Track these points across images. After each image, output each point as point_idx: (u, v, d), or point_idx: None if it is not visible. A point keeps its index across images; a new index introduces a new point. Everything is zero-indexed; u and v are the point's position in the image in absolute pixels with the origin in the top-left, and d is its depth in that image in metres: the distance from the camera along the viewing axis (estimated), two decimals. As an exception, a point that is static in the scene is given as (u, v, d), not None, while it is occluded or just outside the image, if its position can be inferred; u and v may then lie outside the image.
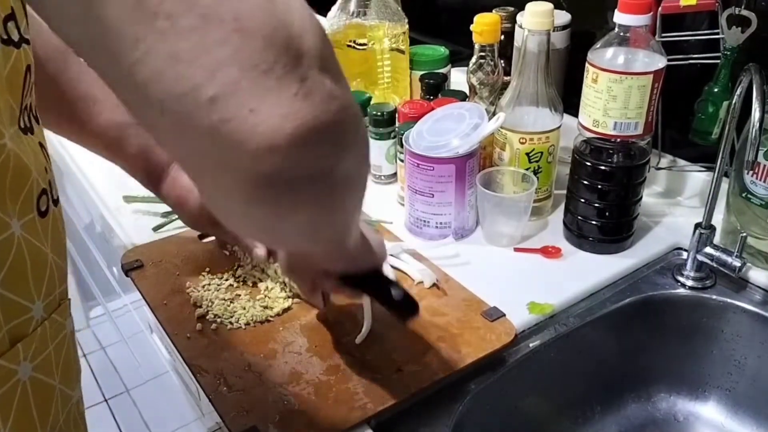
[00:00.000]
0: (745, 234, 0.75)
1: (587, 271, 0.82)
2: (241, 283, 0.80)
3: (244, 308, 0.75)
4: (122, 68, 0.30)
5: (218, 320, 0.73)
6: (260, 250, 0.75)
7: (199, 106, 0.29)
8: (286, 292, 0.77)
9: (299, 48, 0.31)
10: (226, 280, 0.80)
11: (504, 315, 0.73)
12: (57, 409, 0.52)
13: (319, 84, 0.31)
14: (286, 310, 0.75)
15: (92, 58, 0.32)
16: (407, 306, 0.62)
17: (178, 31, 0.29)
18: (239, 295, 0.77)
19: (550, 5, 0.80)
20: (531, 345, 0.73)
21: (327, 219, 0.39)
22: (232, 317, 0.74)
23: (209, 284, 0.79)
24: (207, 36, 0.29)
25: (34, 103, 0.48)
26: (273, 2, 0.30)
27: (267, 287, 0.78)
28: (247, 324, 0.73)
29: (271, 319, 0.74)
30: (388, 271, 0.78)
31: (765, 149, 0.75)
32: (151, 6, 0.28)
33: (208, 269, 0.82)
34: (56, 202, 0.49)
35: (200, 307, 0.75)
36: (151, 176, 0.73)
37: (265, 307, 0.75)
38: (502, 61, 0.91)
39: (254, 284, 0.79)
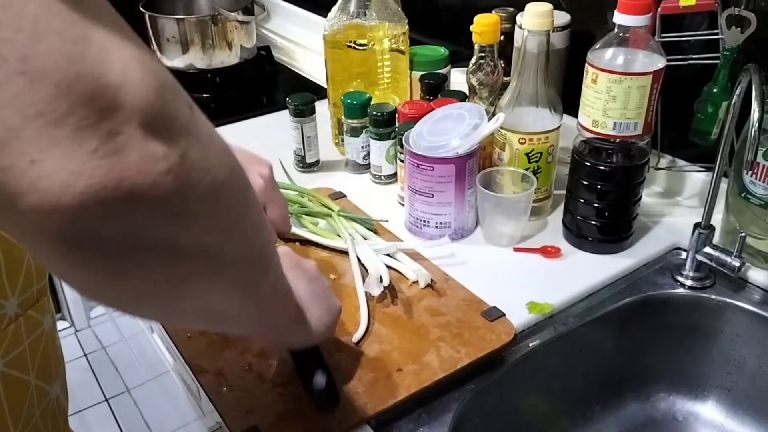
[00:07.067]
0: (744, 234, 0.75)
1: (587, 271, 0.82)
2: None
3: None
4: None
5: (219, 320, 0.74)
6: None
7: None
8: None
9: (112, 100, 0.27)
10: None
11: (504, 315, 0.73)
12: (32, 403, 0.51)
13: (138, 142, 0.28)
14: None
15: None
16: (324, 398, 0.62)
17: None
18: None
19: (550, 6, 0.80)
20: (531, 345, 0.73)
21: (179, 292, 0.35)
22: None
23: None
24: None
25: None
26: (84, 46, 0.27)
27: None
28: (248, 324, 0.73)
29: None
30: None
31: (764, 149, 0.75)
32: None
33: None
34: None
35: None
36: None
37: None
38: (501, 62, 0.91)
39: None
